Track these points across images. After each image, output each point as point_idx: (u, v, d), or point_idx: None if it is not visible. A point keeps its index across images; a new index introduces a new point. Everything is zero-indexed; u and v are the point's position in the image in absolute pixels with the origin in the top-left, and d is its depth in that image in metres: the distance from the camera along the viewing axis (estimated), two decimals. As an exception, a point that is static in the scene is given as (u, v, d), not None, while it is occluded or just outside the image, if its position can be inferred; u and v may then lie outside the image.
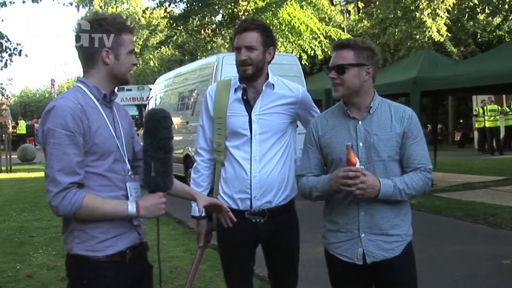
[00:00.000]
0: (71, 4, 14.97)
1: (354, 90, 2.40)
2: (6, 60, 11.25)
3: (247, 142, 2.65)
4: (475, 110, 18.77)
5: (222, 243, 2.77)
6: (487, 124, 17.53)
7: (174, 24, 17.45)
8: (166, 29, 18.67)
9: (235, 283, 2.76)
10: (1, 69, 11.26)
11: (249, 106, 2.67)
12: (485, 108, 17.77)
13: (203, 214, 2.65)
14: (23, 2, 11.20)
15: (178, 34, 18.41)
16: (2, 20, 11.30)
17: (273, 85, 2.69)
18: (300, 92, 2.78)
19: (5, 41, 11.11)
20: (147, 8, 20.00)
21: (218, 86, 2.78)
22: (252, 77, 2.64)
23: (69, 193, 1.91)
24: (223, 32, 17.96)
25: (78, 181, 1.94)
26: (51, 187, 1.91)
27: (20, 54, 11.26)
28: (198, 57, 18.77)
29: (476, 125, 18.51)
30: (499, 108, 17.86)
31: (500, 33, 21.37)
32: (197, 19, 17.22)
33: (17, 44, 11.33)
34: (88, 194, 1.96)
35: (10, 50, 11.19)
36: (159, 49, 24.32)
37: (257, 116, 2.65)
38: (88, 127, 1.98)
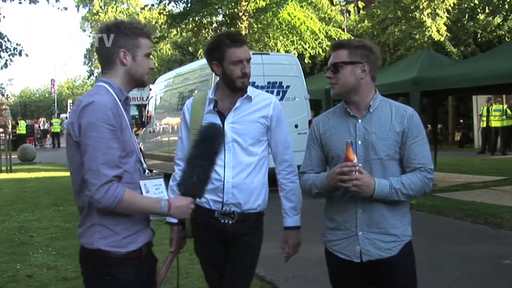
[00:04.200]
0: (65, 8, 14.94)
1: (350, 88, 2.42)
2: (6, 60, 11.26)
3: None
4: (481, 109, 18.60)
5: (197, 243, 2.88)
6: (493, 124, 17.32)
7: (173, 22, 17.40)
8: (165, 27, 18.55)
9: (213, 278, 2.82)
10: (1, 69, 11.28)
11: (222, 116, 2.73)
12: (490, 108, 17.57)
13: (176, 221, 2.79)
14: (20, 2, 11.20)
15: (178, 32, 18.33)
16: (4, 17, 11.22)
17: (251, 97, 2.75)
18: (271, 106, 2.77)
19: (5, 41, 11.11)
20: (145, 6, 19.91)
21: (194, 99, 2.88)
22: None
23: (112, 186, 1.95)
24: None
25: (119, 175, 1.99)
26: (94, 179, 1.94)
27: (20, 54, 11.28)
28: (199, 56, 18.67)
29: (481, 125, 18.33)
30: (504, 107, 17.62)
31: (500, 33, 21.37)
32: (197, 19, 17.18)
33: (17, 45, 11.35)
34: (127, 188, 2.00)
35: (10, 50, 11.20)
36: (157, 44, 24.13)
37: (230, 124, 2.71)
38: (121, 125, 2.05)
